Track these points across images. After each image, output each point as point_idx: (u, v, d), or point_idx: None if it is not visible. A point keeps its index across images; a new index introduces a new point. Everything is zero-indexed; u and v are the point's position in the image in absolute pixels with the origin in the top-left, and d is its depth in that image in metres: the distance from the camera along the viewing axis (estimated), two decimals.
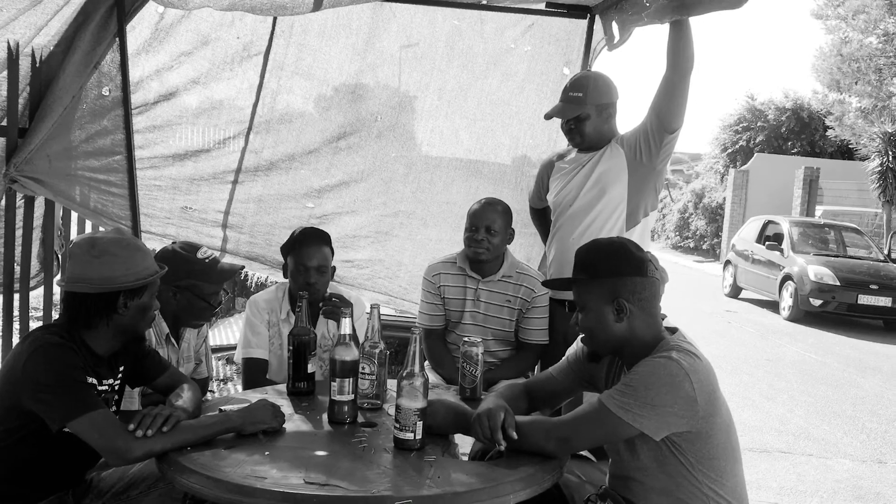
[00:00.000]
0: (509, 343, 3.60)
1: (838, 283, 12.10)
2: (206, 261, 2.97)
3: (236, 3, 2.92)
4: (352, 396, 2.46)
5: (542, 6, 4.24)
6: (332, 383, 2.44)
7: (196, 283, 2.93)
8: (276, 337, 3.35)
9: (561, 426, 2.21)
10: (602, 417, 2.11)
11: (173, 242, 3.11)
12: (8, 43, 3.47)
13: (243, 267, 3.27)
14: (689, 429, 2.08)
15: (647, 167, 3.40)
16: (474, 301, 3.55)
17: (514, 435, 2.18)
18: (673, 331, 2.27)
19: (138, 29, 3.97)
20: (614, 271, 2.23)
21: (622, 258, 2.25)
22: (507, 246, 3.58)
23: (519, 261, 3.67)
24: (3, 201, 3.68)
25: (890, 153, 16.63)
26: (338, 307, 3.11)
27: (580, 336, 2.39)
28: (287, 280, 3.42)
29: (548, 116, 3.58)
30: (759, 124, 25.29)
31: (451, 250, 3.76)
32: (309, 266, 3.25)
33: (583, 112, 3.44)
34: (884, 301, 12.07)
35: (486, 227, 3.43)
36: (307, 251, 3.27)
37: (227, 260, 3.99)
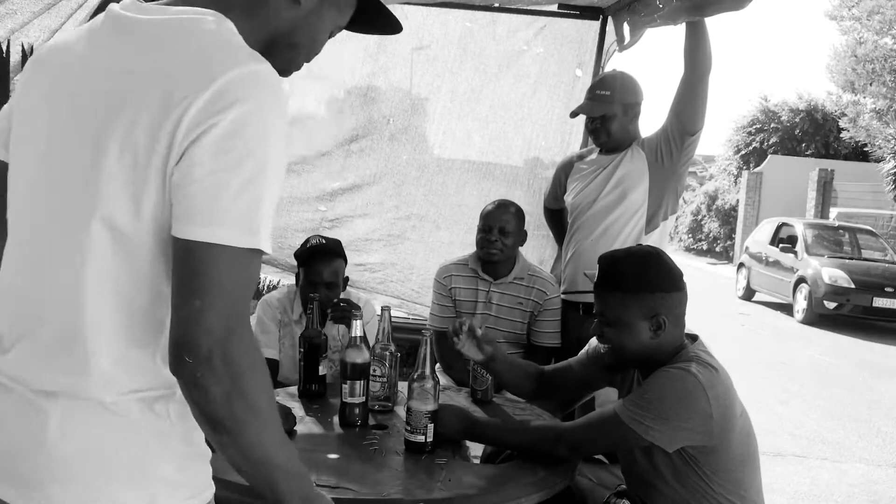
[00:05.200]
0: (521, 346, 3.58)
1: (853, 286, 12.02)
2: None
3: None
4: (363, 399, 2.46)
5: (554, 7, 4.23)
6: (343, 386, 2.44)
7: None
8: (287, 337, 3.35)
9: (573, 431, 2.20)
10: (613, 427, 2.07)
11: None
12: (22, 46, 3.50)
13: None
14: (704, 443, 2.03)
15: (668, 170, 3.39)
16: (486, 303, 3.54)
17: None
18: (693, 338, 2.22)
19: None
20: (657, 287, 2.14)
21: (665, 273, 2.17)
22: (520, 248, 3.58)
23: (531, 263, 3.66)
24: None
25: None
26: (346, 311, 3.10)
27: (603, 348, 2.30)
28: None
29: (574, 114, 3.57)
30: (772, 126, 25.15)
31: (463, 253, 3.75)
32: (318, 282, 3.23)
33: (609, 110, 3.42)
34: None
35: (500, 228, 3.42)
36: (317, 267, 3.26)
37: None
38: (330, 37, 1.44)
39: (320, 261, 3.26)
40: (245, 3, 1.25)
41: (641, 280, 2.14)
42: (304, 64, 1.55)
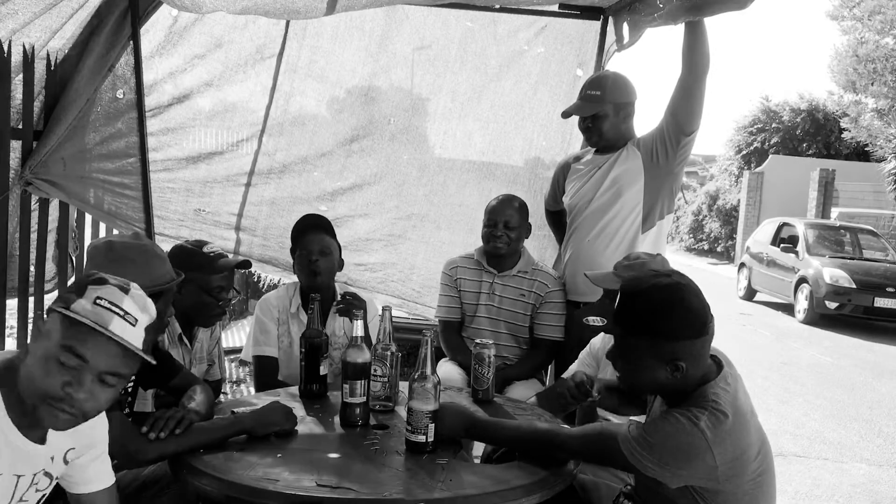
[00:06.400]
0: (523, 340, 3.61)
1: (854, 286, 12.00)
2: (211, 255, 2.98)
3: (249, 7, 2.92)
4: (364, 399, 2.46)
5: (555, 8, 4.23)
6: (344, 385, 2.44)
7: (200, 276, 2.92)
8: (284, 335, 3.37)
9: (574, 442, 2.17)
10: (614, 453, 2.03)
11: (185, 241, 3.12)
12: (23, 46, 3.50)
13: (250, 264, 3.25)
14: (709, 486, 1.98)
15: (663, 170, 3.39)
16: (489, 294, 3.58)
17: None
18: (720, 366, 2.12)
19: (152, 32, 3.99)
20: (680, 335, 1.99)
21: (689, 319, 2.00)
22: (524, 244, 3.61)
23: (535, 259, 3.71)
24: (19, 204, 3.71)
25: None
26: (352, 305, 3.11)
27: (618, 375, 2.19)
28: (297, 279, 3.45)
29: (565, 115, 3.58)
30: (773, 126, 25.11)
31: (463, 252, 3.77)
32: (311, 249, 3.28)
33: (600, 110, 3.43)
34: None
35: (505, 222, 3.49)
36: (308, 237, 3.32)
37: None
38: None
39: (311, 231, 3.35)
40: None
41: (663, 327, 1.99)
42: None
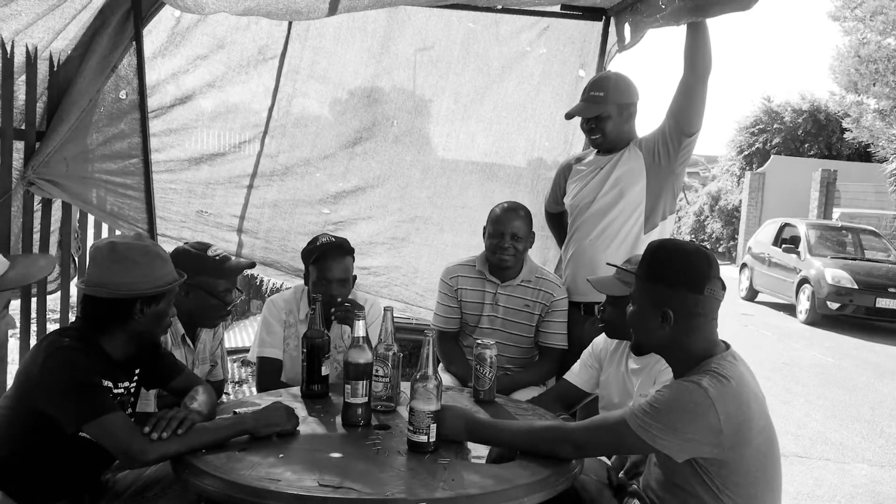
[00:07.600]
0: (528, 349, 3.57)
1: (856, 286, 11.99)
2: (217, 258, 2.98)
3: (252, 8, 2.92)
4: (365, 399, 2.46)
5: (557, 8, 4.23)
6: (346, 386, 2.44)
7: (207, 280, 2.93)
8: (292, 338, 3.35)
9: (579, 433, 2.19)
10: (621, 432, 2.07)
11: (186, 243, 3.12)
12: (26, 47, 3.51)
13: (253, 265, 3.22)
14: (714, 455, 2.01)
15: (665, 170, 3.39)
16: (493, 305, 3.53)
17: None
18: (728, 347, 2.19)
19: (155, 33, 3.99)
20: (667, 280, 2.15)
21: (682, 269, 2.15)
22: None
23: (538, 265, 3.65)
24: (22, 204, 3.71)
25: None
26: (350, 311, 3.09)
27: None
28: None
29: (569, 116, 3.57)
30: (775, 126, 25.11)
31: (467, 255, 3.74)
32: (331, 279, 3.20)
33: (604, 111, 3.43)
34: None
35: (512, 234, 3.40)
36: (329, 264, 3.23)
37: None
38: None
39: (333, 258, 3.24)
40: None
41: (656, 271, 2.19)
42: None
